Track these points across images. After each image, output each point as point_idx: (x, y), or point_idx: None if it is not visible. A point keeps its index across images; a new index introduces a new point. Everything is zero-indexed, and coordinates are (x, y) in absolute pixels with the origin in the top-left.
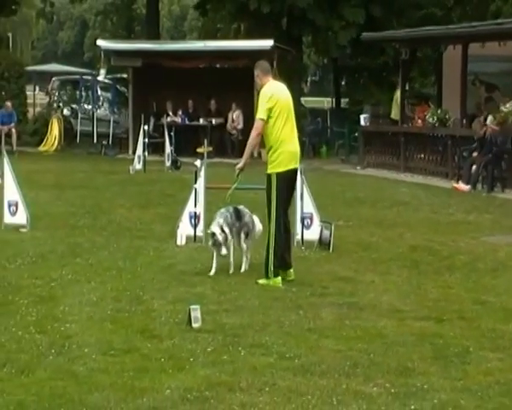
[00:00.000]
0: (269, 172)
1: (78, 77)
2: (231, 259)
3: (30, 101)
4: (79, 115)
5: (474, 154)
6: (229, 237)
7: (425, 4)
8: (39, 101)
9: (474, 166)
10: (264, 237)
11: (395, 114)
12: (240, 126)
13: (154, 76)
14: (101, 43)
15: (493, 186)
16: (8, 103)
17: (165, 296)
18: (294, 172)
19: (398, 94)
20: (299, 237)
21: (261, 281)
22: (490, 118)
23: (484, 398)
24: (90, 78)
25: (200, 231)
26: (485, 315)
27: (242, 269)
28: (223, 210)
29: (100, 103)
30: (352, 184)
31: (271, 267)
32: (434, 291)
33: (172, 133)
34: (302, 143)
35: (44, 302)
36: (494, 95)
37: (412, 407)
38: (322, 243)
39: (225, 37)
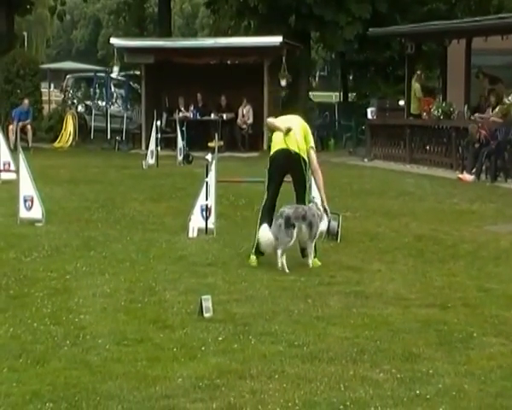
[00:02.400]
0: None
1: (91, 74)
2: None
3: (45, 98)
4: (93, 112)
5: (476, 145)
6: None
7: (429, 0)
8: (54, 98)
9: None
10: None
11: (414, 108)
12: (250, 121)
13: (166, 73)
14: (114, 41)
15: (496, 176)
16: (26, 101)
17: (177, 287)
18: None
19: (416, 86)
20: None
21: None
22: (498, 108)
23: (486, 382)
24: (103, 75)
25: (211, 224)
26: (489, 302)
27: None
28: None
29: (113, 100)
30: (360, 176)
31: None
32: (439, 279)
33: (184, 128)
34: None
35: (59, 294)
36: (497, 87)
37: (417, 392)
38: (330, 234)
39: (236, 34)
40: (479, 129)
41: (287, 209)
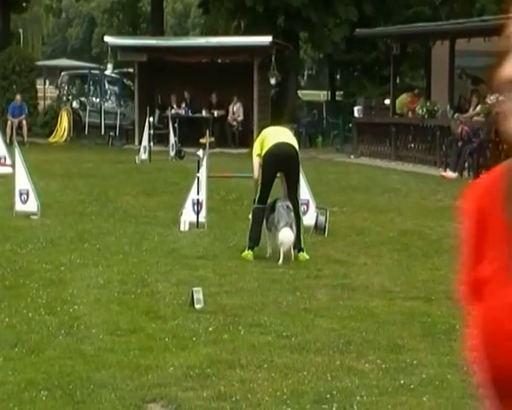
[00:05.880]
0: None
1: (86, 71)
2: None
3: (40, 94)
4: (88, 108)
5: (459, 143)
6: None
7: (414, 3)
8: (49, 94)
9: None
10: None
11: (399, 107)
12: (240, 118)
13: (158, 70)
14: (108, 39)
15: (479, 174)
16: (18, 96)
17: (169, 279)
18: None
19: (403, 96)
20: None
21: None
22: (479, 107)
23: (469, 372)
24: (97, 72)
25: (202, 218)
26: None
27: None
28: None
29: (107, 96)
30: (346, 173)
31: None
32: (423, 273)
33: (176, 125)
34: (299, 134)
35: (54, 285)
36: (480, 88)
37: (402, 382)
38: (318, 228)
39: (226, 33)
40: (460, 125)
41: (290, 203)
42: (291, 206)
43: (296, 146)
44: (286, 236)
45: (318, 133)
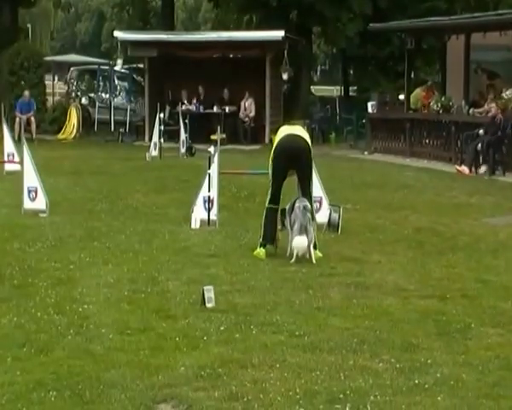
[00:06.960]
0: None
1: (95, 67)
2: None
3: (49, 90)
4: (97, 104)
5: (481, 132)
6: None
7: None
8: (58, 90)
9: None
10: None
11: (413, 102)
12: (252, 114)
13: (169, 66)
14: (117, 34)
15: (494, 170)
16: (26, 93)
17: (180, 278)
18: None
19: (417, 91)
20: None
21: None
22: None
23: (484, 372)
24: (107, 68)
25: (213, 215)
26: (486, 293)
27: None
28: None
29: (117, 92)
30: (360, 169)
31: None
32: (438, 271)
33: (187, 121)
34: (312, 130)
35: (63, 284)
36: (495, 82)
37: (416, 381)
38: (331, 226)
39: (238, 28)
40: (496, 110)
41: (307, 203)
42: (308, 206)
43: (308, 140)
44: (299, 243)
45: (331, 129)
